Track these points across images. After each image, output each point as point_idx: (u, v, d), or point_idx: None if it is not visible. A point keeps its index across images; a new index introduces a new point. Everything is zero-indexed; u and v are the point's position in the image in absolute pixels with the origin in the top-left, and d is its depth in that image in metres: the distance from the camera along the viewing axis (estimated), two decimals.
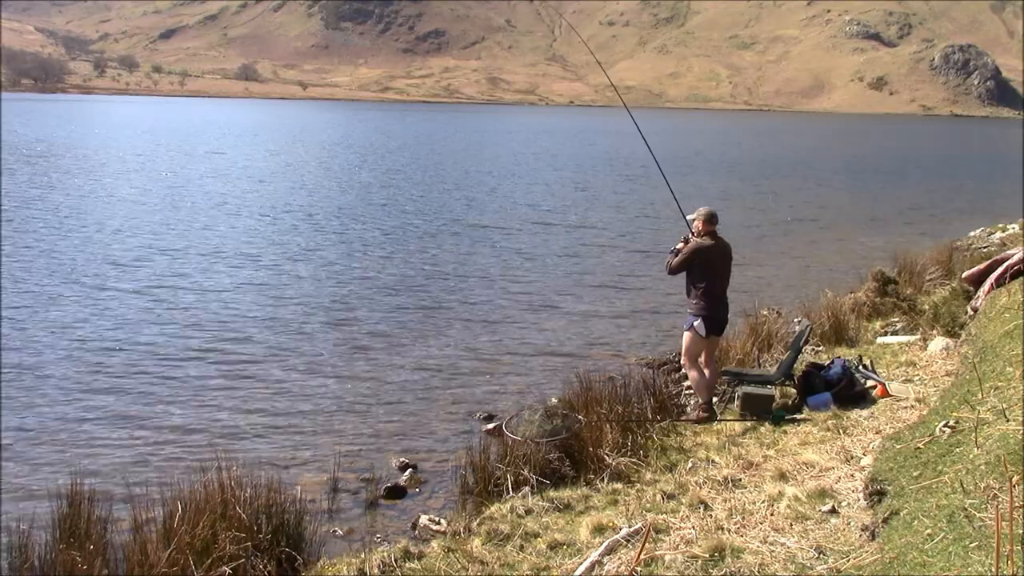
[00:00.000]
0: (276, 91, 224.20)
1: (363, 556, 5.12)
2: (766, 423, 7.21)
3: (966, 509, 3.90)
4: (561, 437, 6.89)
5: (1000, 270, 9.21)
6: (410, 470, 7.19)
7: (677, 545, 4.83)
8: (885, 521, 4.49)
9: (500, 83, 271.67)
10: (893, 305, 11.04)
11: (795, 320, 10.27)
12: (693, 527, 5.10)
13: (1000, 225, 19.21)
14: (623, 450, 6.61)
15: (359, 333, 11.59)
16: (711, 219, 7.68)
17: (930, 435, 5.24)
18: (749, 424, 7.28)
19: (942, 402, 6.21)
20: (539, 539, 5.25)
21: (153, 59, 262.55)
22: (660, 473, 6.34)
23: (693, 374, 7.71)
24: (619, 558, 4.73)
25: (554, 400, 8.21)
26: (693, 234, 7.74)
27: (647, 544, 4.81)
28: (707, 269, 7.58)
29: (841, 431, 6.70)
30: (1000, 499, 3.79)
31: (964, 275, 10.22)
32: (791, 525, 5.02)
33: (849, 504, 5.26)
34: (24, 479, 6.97)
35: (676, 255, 7.70)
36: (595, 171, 38.62)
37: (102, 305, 12.59)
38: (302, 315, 12.42)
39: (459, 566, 4.89)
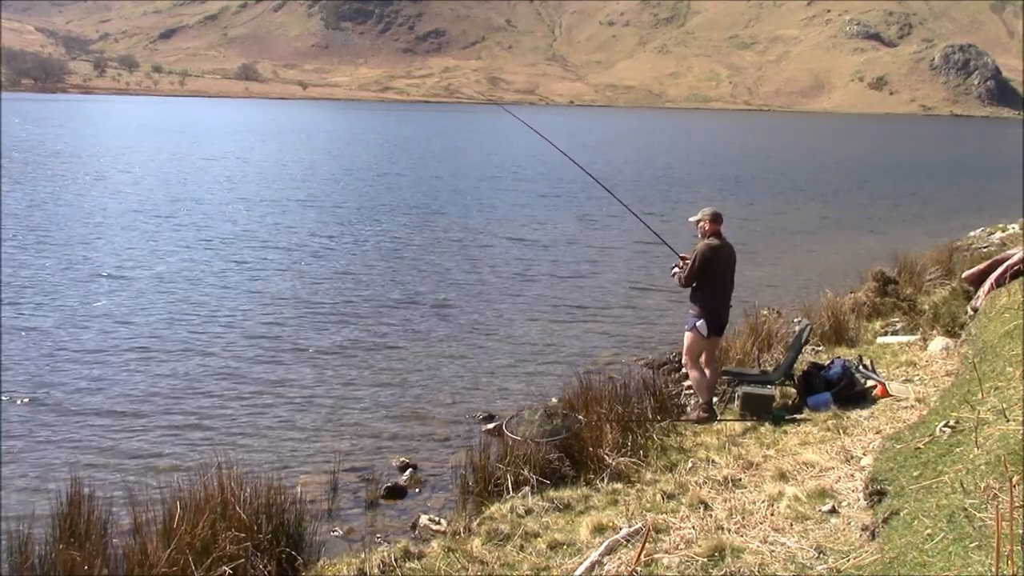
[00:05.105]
0: (276, 91, 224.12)
1: (363, 556, 5.12)
2: (766, 423, 7.21)
3: (966, 509, 3.90)
4: (561, 437, 6.89)
5: (1000, 270, 9.21)
6: (410, 470, 7.19)
7: (677, 545, 4.83)
8: (885, 521, 4.49)
9: (500, 83, 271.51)
10: (893, 305, 11.03)
11: (795, 320, 10.27)
12: (693, 527, 5.10)
13: (1000, 225, 19.21)
14: (623, 450, 6.61)
15: (359, 333, 11.58)
16: (716, 218, 7.65)
17: (930, 435, 5.24)
18: (749, 424, 7.28)
19: (942, 402, 6.21)
20: (539, 539, 5.24)
21: (153, 59, 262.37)
22: (660, 473, 6.34)
23: (694, 374, 7.69)
24: (619, 558, 4.73)
25: (554, 400, 8.21)
26: (682, 261, 7.69)
27: (647, 544, 4.81)
28: (714, 269, 7.53)
29: (841, 431, 6.70)
30: (1000, 499, 3.79)
31: (964, 275, 10.21)
32: (791, 525, 5.02)
33: (849, 504, 5.26)
34: (24, 479, 6.97)
35: (683, 268, 7.65)
36: (596, 172, 38.62)
37: (101, 304, 12.59)
38: (302, 316, 12.42)
39: (459, 566, 4.89)
